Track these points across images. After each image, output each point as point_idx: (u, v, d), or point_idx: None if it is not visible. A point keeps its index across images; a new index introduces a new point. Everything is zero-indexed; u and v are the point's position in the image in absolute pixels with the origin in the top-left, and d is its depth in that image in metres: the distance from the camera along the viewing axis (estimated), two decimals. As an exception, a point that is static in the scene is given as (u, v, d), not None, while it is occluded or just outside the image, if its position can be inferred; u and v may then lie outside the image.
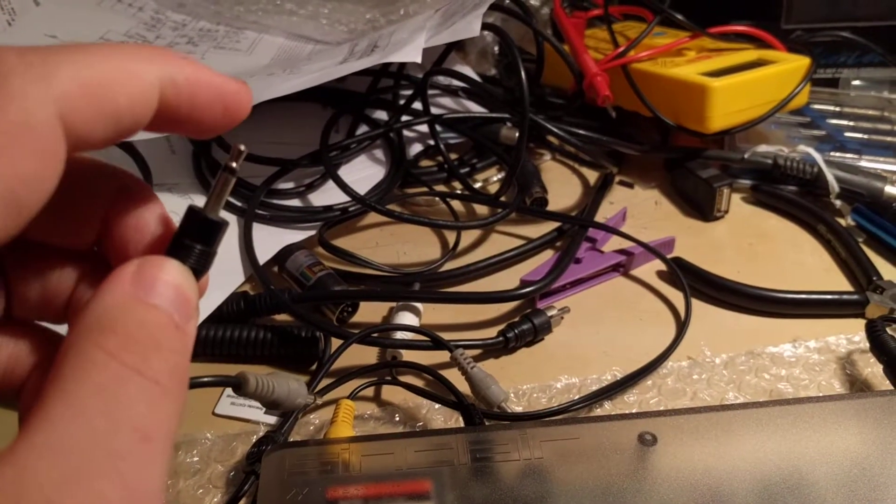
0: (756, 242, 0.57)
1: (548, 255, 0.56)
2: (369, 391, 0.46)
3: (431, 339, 0.46)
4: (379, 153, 0.63)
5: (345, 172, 0.59)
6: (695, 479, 0.35)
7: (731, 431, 0.37)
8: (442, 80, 0.68)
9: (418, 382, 0.46)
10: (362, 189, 0.58)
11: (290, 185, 0.57)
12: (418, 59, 0.53)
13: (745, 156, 0.61)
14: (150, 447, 0.19)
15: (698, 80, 0.58)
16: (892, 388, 0.44)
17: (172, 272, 0.22)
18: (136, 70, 0.21)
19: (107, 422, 0.19)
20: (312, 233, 0.54)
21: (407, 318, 0.49)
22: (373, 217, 0.58)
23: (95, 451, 0.18)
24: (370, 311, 0.51)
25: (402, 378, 0.46)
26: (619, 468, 0.36)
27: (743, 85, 0.58)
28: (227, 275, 0.50)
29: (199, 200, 0.55)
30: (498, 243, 0.57)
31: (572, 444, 0.37)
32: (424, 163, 0.65)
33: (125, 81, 0.21)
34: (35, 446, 0.18)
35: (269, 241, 0.52)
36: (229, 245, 0.52)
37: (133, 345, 0.20)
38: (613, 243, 0.55)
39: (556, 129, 0.56)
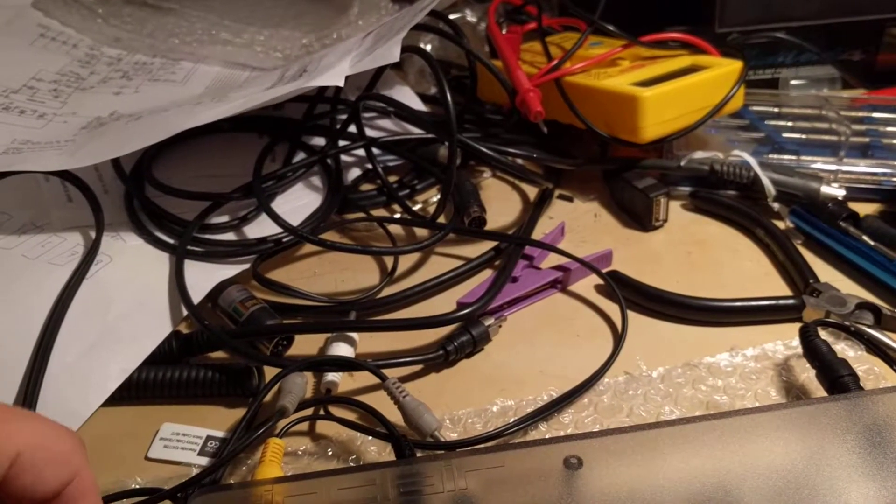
0: (695, 250, 0.57)
1: (486, 275, 0.56)
2: (303, 426, 0.45)
3: (365, 368, 0.45)
4: (316, 180, 0.62)
5: (282, 201, 0.59)
6: (620, 502, 0.35)
7: (658, 450, 0.37)
8: (379, 102, 0.67)
9: (352, 415, 0.45)
10: (299, 217, 0.57)
11: (224, 218, 0.57)
12: (341, 83, 0.52)
13: (682, 163, 0.61)
14: None
15: (629, 91, 0.57)
16: (823, 394, 0.44)
17: None
18: None
19: None
20: (247, 266, 0.54)
21: (342, 349, 0.48)
22: (310, 246, 0.58)
23: None
24: (306, 343, 0.50)
25: (336, 411, 0.45)
26: (544, 494, 0.35)
27: (674, 93, 0.58)
28: (159, 318, 0.49)
29: (132, 239, 0.54)
30: (437, 265, 0.57)
31: (498, 473, 0.37)
32: (365, 186, 0.65)
33: None
34: None
35: (203, 277, 0.51)
36: (160, 285, 0.51)
37: None
38: (551, 259, 0.55)
39: (487, 151, 0.56)
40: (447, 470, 0.37)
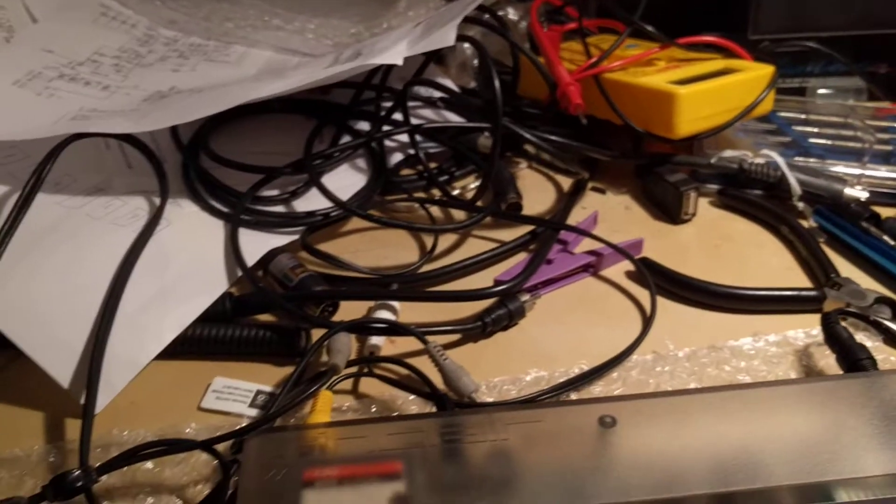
0: (721, 244, 0.60)
1: (521, 258, 0.58)
2: (347, 384, 0.48)
3: (408, 332, 0.48)
4: (361, 162, 0.65)
5: (328, 181, 0.62)
6: (651, 458, 0.37)
7: (687, 414, 0.40)
8: (423, 91, 0.70)
9: (394, 376, 0.48)
10: (344, 196, 0.60)
11: (274, 192, 0.60)
12: (399, 62, 0.55)
13: (712, 161, 0.64)
14: None
15: (666, 88, 0.60)
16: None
17: None
18: None
19: None
20: (296, 237, 0.56)
21: (385, 316, 0.51)
22: (354, 223, 0.61)
23: None
24: (350, 312, 0.53)
25: (379, 371, 0.48)
26: (579, 448, 0.38)
27: (708, 92, 0.61)
28: (213, 279, 0.52)
29: (188, 206, 0.57)
30: (474, 247, 0.59)
31: (536, 427, 0.39)
32: (405, 171, 0.68)
33: None
34: None
35: (254, 245, 0.54)
36: (215, 250, 0.54)
37: None
38: (584, 246, 0.58)
39: (529, 136, 0.59)
40: (489, 422, 0.39)
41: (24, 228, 0.49)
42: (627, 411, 0.40)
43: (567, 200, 0.63)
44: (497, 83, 0.55)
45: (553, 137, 0.63)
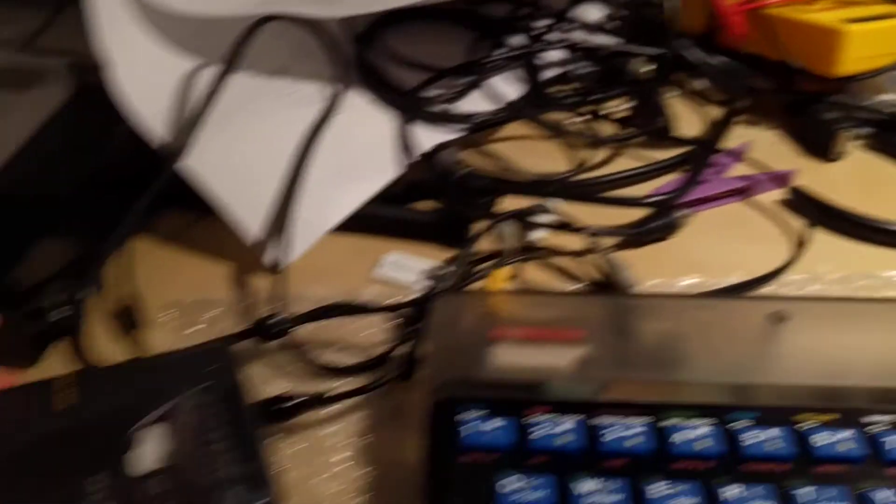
0: (871, 187, 0.60)
1: (671, 179, 0.60)
2: (511, 272, 0.51)
3: (570, 226, 0.50)
4: (517, 74, 0.67)
5: (486, 88, 0.64)
6: (817, 352, 0.39)
7: (855, 320, 0.41)
8: (580, 11, 0.72)
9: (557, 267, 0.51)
10: (500, 105, 0.63)
11: (440, 91, 0.62)
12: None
13: (867, 103, 0.64)
14: None
15: (831, 24, 0.61)
16: None
17: None
18: None
19: None
20: (458, 136, 0.59)
21: (545, 217, 0.53)
22: (510, 131, 0.63)
23: None
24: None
25: (542, 260, 0.51)
26: (749, 336, 0.40)
27: (874, 32, 0.61)
28: (385, 164, 0.55)
29: (362, 95, 0.60)
30: (623, 165, 0.61)
31: (707, 315, 0.41)
32: (558, 88, 0.69)
33: None
34: None
35: (422, 138, 0.57)
36: (387, 138, 0.57)
37: None
38: (735, 173, 0.59)
39: (690, 58, 0.60)
40: (662, 306, 0.42)
41: (221, 102, 0.53)
42: (797, 309, 0.41)
43: (719, 128, 0.64)
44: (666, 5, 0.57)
45: (712, 62, 0.64)
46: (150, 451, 0.35)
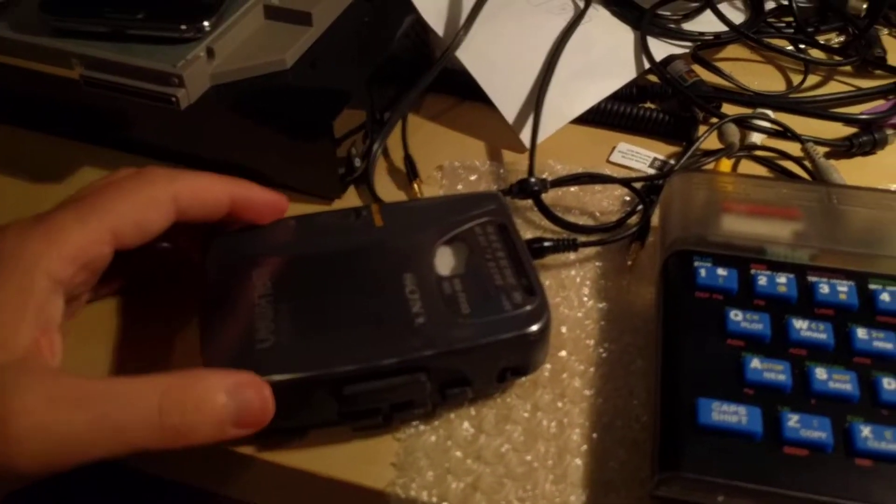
0: None
1: (880, 104, 0.65)
2: (732, 166, 0.58)
3: (787, 129, 0.57)
4: (736, 4, 0.73)
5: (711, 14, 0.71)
6: None
7: None
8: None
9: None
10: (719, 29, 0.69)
11: (674, 10, 0.70)
12: None
13: None
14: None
15: None
16: None
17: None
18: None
19: None
20: (687, 50, 0.66)
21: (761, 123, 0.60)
22: (730, 52, 0.70)
23: None
24: (729, 116, 0.62)
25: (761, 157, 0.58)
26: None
27: None
28: (624, 67, 0.63)
29: (603, 10, 0.68)
30: (836, 89, 0.67)
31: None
32: (773, 20, 0.75)
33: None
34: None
35: (656, 50, 0.64)
36: (627, 46, 0.65)
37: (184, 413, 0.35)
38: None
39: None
40: (874, 197, 0.49)
41: (486, 5, 0.62)
42: None
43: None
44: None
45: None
46: (452, 259, 0.45)
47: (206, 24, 0.53)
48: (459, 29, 0.61)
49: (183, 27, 0.53)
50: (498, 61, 0.61)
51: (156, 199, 0.41)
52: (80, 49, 0.52)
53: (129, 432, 0.34)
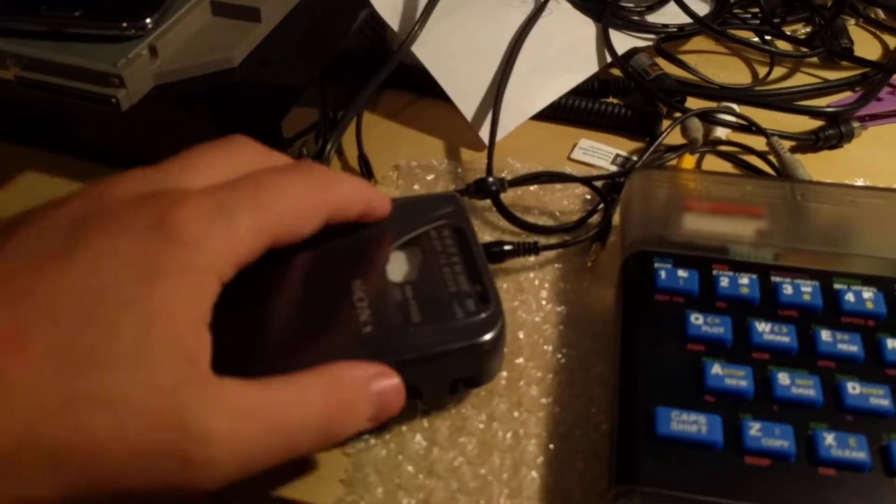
0: None
1: (846, 97, 0.64)
2: (693, 162, 0.57)
3: (752, 123, 0.56)
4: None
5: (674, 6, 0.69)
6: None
7: None
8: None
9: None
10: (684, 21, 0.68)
11: (636, 2, 0.68)
12: None
13: None
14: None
15: None
16: None
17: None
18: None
19: None
20: (650, 43, 0.65)
21: (725, 117, 0.59)
22: (695, 45, 0.69)
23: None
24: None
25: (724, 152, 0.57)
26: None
27: None
28: (586, 61, 0.61)
29: (564, 3, 0.66)
30: (802, 81, 0.65)
31: (878, 204, 0.47)
32: (738, 11, 0.74)
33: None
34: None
35: (618, 43, 0.63)
36: (588, 39, 0.63)
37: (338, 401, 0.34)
38: (912, 94, 0.63)
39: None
40: (838, 192, 0.47)
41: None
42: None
43: (897, 53, 0.67)
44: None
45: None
46: (405, 264, 0.43)
47: (148, 21, 0.51)
48: (415, 23, 0.59)
49: (124, 25, 0.51)
50: (456, 56, 0.59)
51: (317, 212, 0.38)
52: (15, 49, 0.50)
53: (300, 439, 0.32)
